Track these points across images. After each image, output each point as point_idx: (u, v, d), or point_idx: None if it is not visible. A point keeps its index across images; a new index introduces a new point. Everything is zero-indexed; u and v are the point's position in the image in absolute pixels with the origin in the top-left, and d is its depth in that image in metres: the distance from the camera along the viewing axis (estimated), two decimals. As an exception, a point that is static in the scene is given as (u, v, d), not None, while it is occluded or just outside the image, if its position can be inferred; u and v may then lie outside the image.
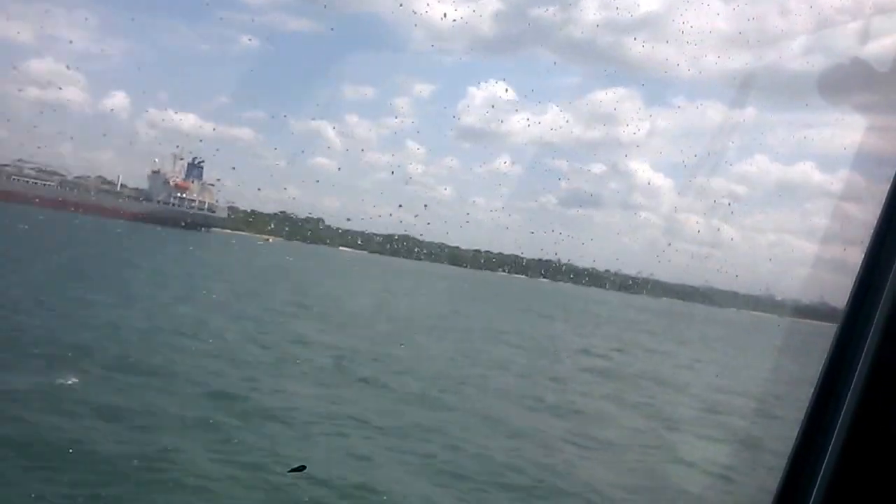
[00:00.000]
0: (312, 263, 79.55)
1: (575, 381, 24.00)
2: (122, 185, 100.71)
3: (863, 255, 1.67)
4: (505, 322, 43.14)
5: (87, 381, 14.44)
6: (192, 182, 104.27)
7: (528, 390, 20.92)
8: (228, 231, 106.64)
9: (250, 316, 28.76)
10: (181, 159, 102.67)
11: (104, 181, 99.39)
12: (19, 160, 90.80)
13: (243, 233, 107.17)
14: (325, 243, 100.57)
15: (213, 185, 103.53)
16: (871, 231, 1.67)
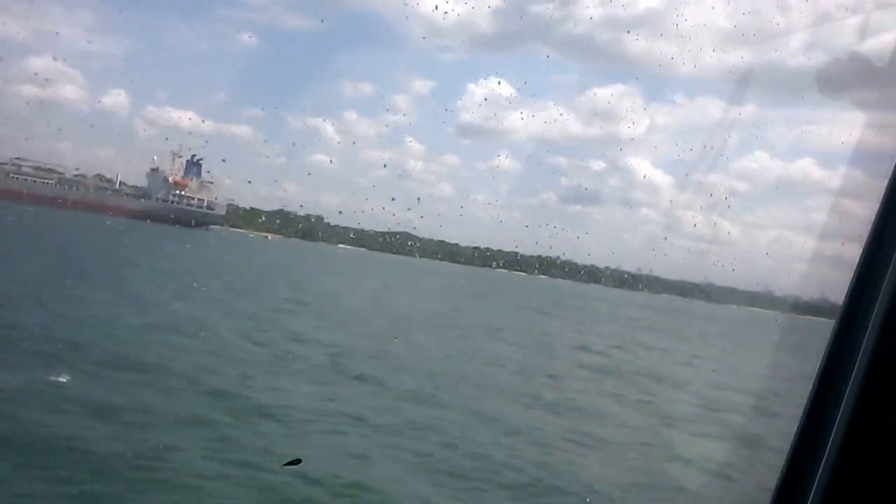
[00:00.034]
0: (311, 260, 79.46)
1: (573, 378, 23.97)
2: (120, 182, 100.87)
3: (861, 251, 1.67)
4: (503, 319, 43.12)
5: (80, 378, 14.37)
6: (191, 180, 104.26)
7: (526, 387, 20.85)
8: (227, 228, 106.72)
9: (247, 313, 28.73)
10: (180, 157, 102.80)
11: (103, 179, 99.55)
12: (18, 158, 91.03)
13: (242, 230, 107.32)
14: (324, 240, 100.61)
15: (211, 182, 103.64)
16: (870, 227, 1.67)
